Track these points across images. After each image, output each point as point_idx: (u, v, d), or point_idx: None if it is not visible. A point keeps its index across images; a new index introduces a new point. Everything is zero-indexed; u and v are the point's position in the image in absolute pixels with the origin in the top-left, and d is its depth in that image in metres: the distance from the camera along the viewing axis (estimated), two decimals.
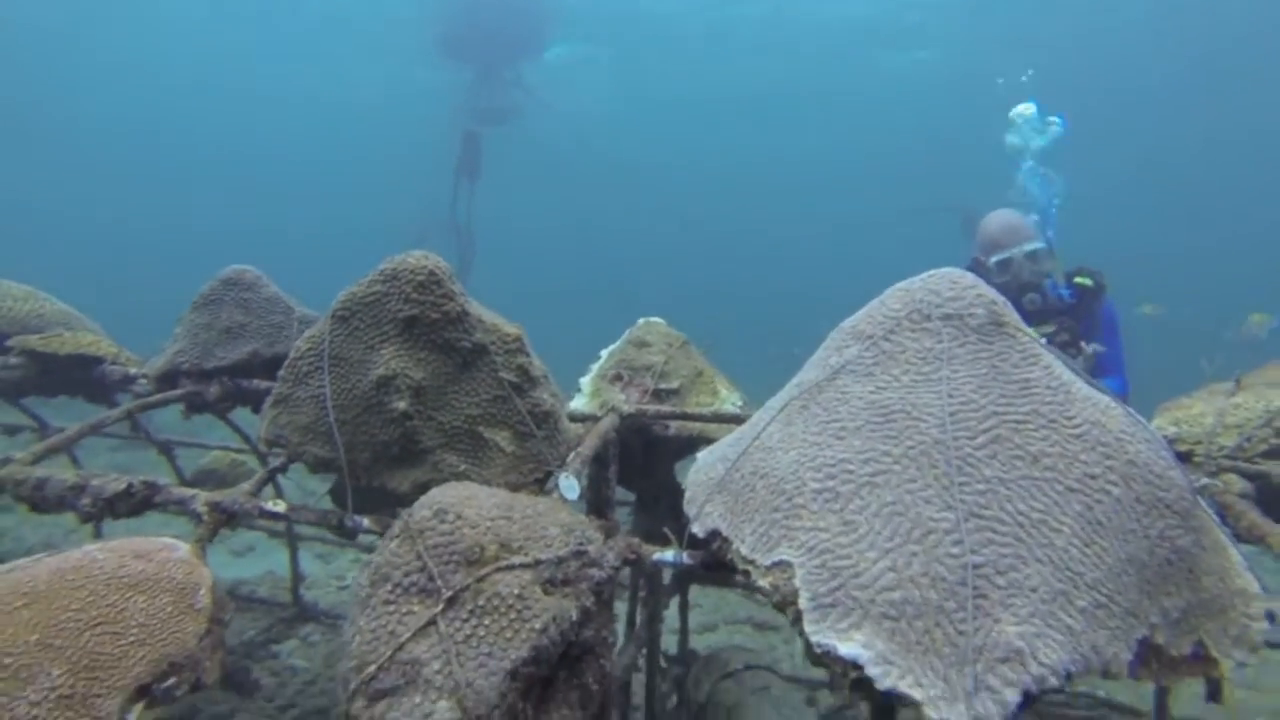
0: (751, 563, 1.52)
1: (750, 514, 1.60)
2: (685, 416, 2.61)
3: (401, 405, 1.93)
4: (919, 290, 1.71)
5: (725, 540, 1.64)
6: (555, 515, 1.70)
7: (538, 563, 1.58)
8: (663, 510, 3.39)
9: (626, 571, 3.10)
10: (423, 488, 1.97)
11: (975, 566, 1.31)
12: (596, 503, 2.58)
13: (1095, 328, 4.16)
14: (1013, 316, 1.65)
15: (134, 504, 1.84)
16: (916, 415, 1.51)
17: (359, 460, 1.96)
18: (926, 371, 1.57)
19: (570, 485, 2.09)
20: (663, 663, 3.91)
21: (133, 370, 2.95)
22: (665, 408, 2.66)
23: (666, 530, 1.82)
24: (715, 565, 1.74)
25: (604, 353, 3.34)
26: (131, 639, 1.34)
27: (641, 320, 3.43)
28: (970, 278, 1.69)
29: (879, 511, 1.41)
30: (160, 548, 1.58)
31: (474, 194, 13.79)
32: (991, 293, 1.65)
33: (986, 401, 1.50)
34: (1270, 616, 1.37)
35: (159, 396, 2.54)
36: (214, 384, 2.62)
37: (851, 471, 1.49)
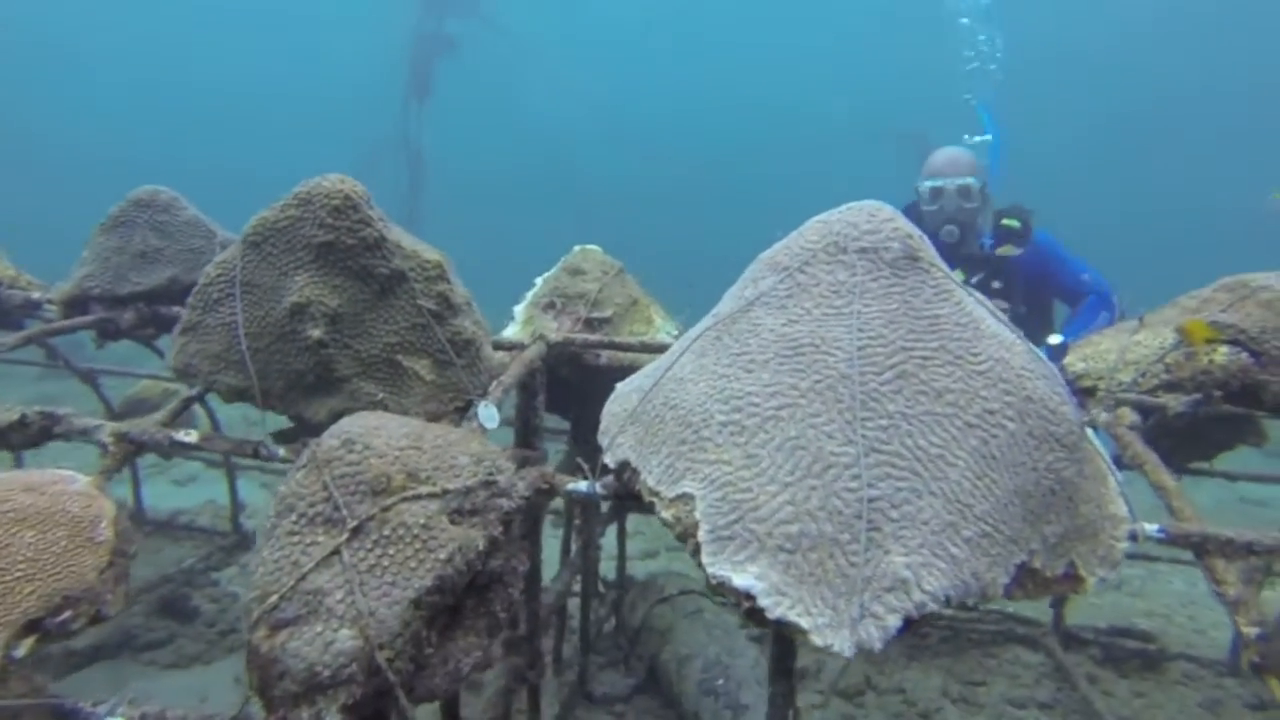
0: (656, 494, 1.53)
1: (658, 445, 1.59)
2: (612, 346, 2.59)
3: (316, 333, 1.87)
4: (837, 222, 1.68)
5: (634, 471, 1.64)
6: (467, 445, 1.68)
7: (445, 492, 1.56)
8: (596, 440, 3.39)
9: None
10: (340, 416, 1.93)
11: (871, 500, 1.33)
12: (523, 432, 2.56)
13: (1041, 272, 4.13)
14: (929, 252, 1.64)
15: (30, 435, 1.77)
16: (825, 349, 1.50)
17: (273, 389, 1.90)
18: (839, 305, 1.56)
19: (490, 414, 2.07)
20: (600, 588, 4.00)
21: (36, 294, 2.81)
22: (595, 337, 2.63)
23: (579, 460, 1.81)
24: (626, 496, 1.74)
25: (539, 280, 3.28)
26: (18, 574, 1.30)
27: (577, 247, 3.37)
28: (888, 211, 1.67)
29: (781, 445, 1.41)
30: (54, 480, 1.52)
31: (422, 114, 13.17)
32: (908, 226, 1.64)
33: (895, 336, 1.49)
34: (1133, 536, 1.43)
35: (68, 322, 2.43)
36: (129, 310, 2.51)
37: (757, 405, 1.48)
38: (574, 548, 3.41)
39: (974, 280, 4.11)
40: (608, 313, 2.99)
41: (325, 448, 1.58)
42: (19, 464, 3.65)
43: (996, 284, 4.10)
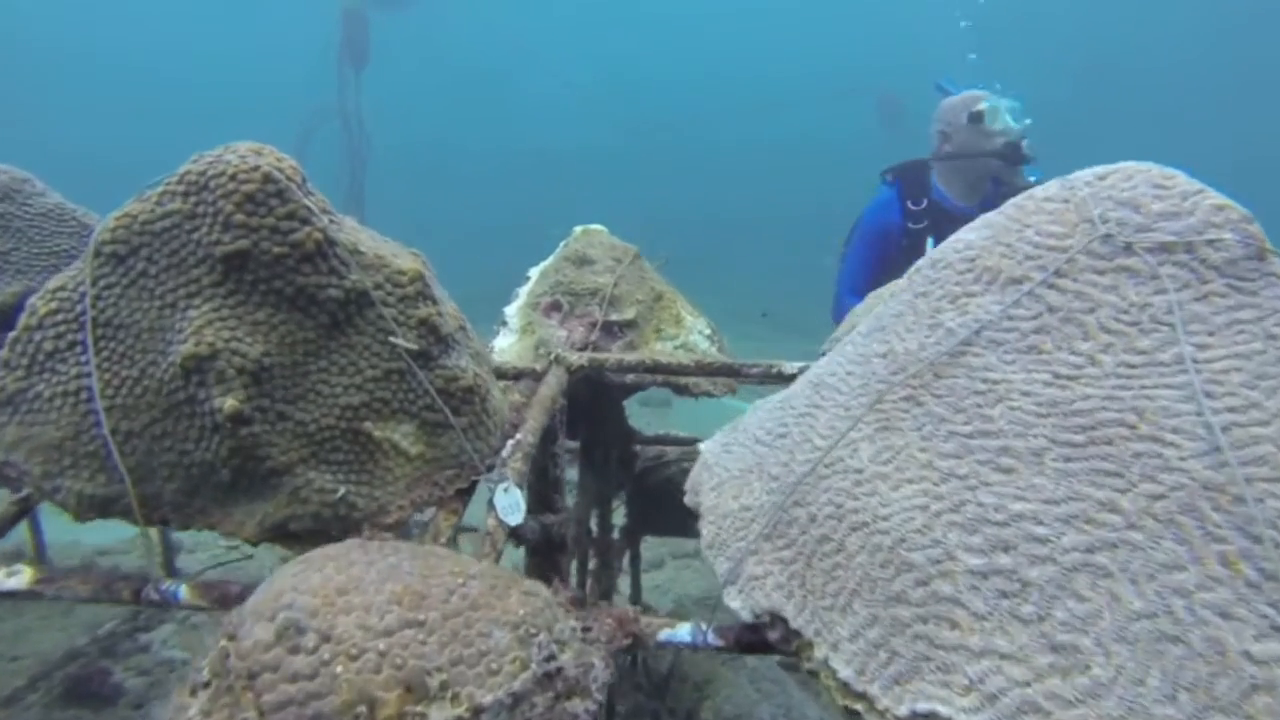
0: (864, 698, 0.83)
1: (843, 598, 0.89)
2: (660, 369, 1.85)
3: (230, 402, 1.10)
4: (1094, 199, 0.98)
5: (794, 633, 0.94)
6: (501, 599, 0.95)
7: (477, 712, 0.84)
8: (613, 465, 2.69)
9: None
10: (279, 528, 1.18)
11: None
12: (541, 490, 1.84)
13: None
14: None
15: None
16: (1154, 433, 0.81)
17: (161, 495, 1.13)
18: (1147, 348, 0.87)
19: (513, 502, 1.33)
20: None
21: None
22: (631, 357, 1.90)
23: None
24: (762, 650, 1.05)
25: (533, 272, 2.52)
26: None
27: (579, 229, 2.60)
28: (1184, 178, 0.97)
29: (1122, 633, 0.73)
30: None
31: (359, 82, 11.75)
32: (1232, 203, 0.94)
33: (1277, 405, 0.81)
34: None
35: None
36: None
37: (1046, 541, 0.79)
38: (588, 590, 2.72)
39: None
40: (629, 314, 2.25)
41: (248, 645, 0.83)
42: None
43: None
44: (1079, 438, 0.83)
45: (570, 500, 2.39)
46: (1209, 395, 0.81)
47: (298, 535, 1.15)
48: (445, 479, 1.34)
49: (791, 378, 1.76)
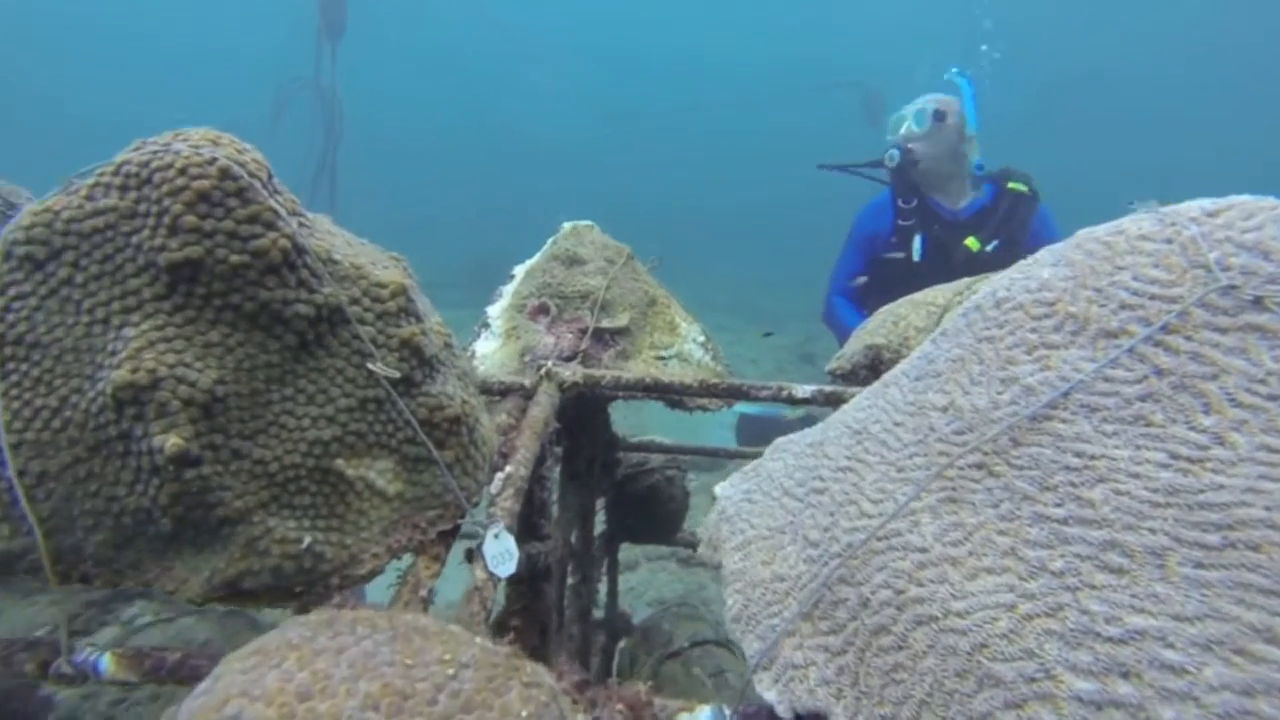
0: None
1: (908, 709, 0.74)
2: (662, 389, 1.68)
3: (173, 440, 0.91)
4: (1206, 240, 0.83)
5: None
6: (500, 693, 0.78)
7: None
8: (597, 476, 2.52)
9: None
10: (229, 586, 0.99)
11: None
12: (527, 516, 1.66)
13: (1037, 245, 3.49)
14: None
15: None
16: None
17: (84, 547, 0.94)
18: None
19: (504, 549, 1.16)
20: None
21: None
22: (631, 374, 1.72)
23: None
24: None
25: (519, 270, 2.33)
26: None
27: (568, 225, 2.41)
28: None
29: None
30: None
31: (335, 56, 11.18)
32: None
33: None
34: None
35: None
36: None
37: (1179, 669, 0.64)
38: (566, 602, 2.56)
39: (991, 248, 3.40)
40: (622, 320, 2.08)
41: None
42: None
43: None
44: (1212, 538, 0.68)
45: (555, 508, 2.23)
46: None
47: (253, 593, 0.96)
48: (427, 521, 1.17)
49: (803, 401, 1.61)
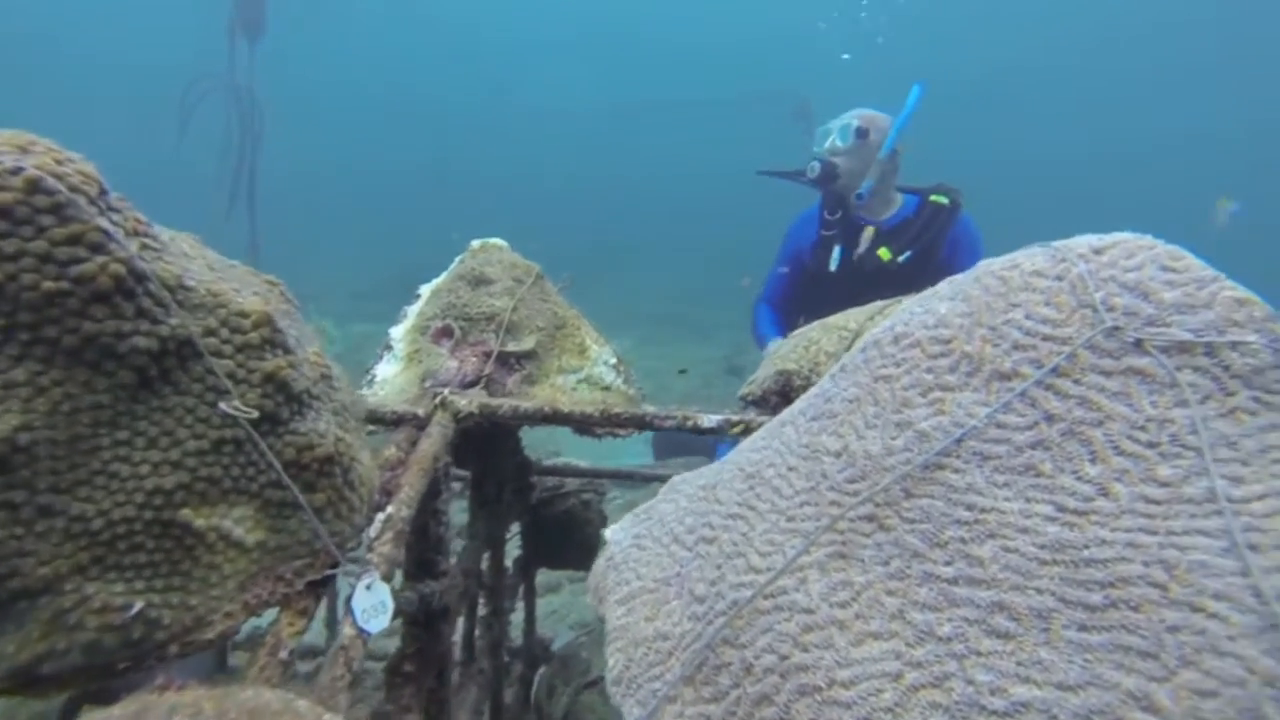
0: None
1: None
2: (563, 419, 1.60)
3: None
4: (1093, 279, 0.80)
5: None
6: None
7: None
8: (507, 502, 2.41)
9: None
10: (19, 675, 0.85)
11: None
12: (421, 553, 1.55)
13: (955, 252, 3.54)
14: None
15: None
16: (1188, 595, 0.63)
17: None
18: (1169, 478, 0.69)
19: (375, 604, 1.06)
20: (504, 656, 3.04)
21: None
22: (529, 404, 1.63)
23: None
24: None
25: (424, 290, 2.21)
26: None
27: (476, 243, 2.31)
28: (1194, 260, 0.80)
29: None
30: None
31: (253, 55, 10.56)
32: (1256, 297, 0.78)
33: None
34: None
35: None
36: None
37: None
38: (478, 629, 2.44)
39: (903, 258, 3.42)
40: (528, 343, 1.98)
41: None
42: None
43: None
44: (1095, 597, 0.64)
45: (468, 534, 2.11)
46: (1253, 548, 0.63)
47: (56, 678, 0.83)
48: (293, 571, 1.05)
49: (709, 430, 1.55)
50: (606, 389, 2.06)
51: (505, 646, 2.51)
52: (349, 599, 1.04)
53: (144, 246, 0.97)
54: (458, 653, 2.40)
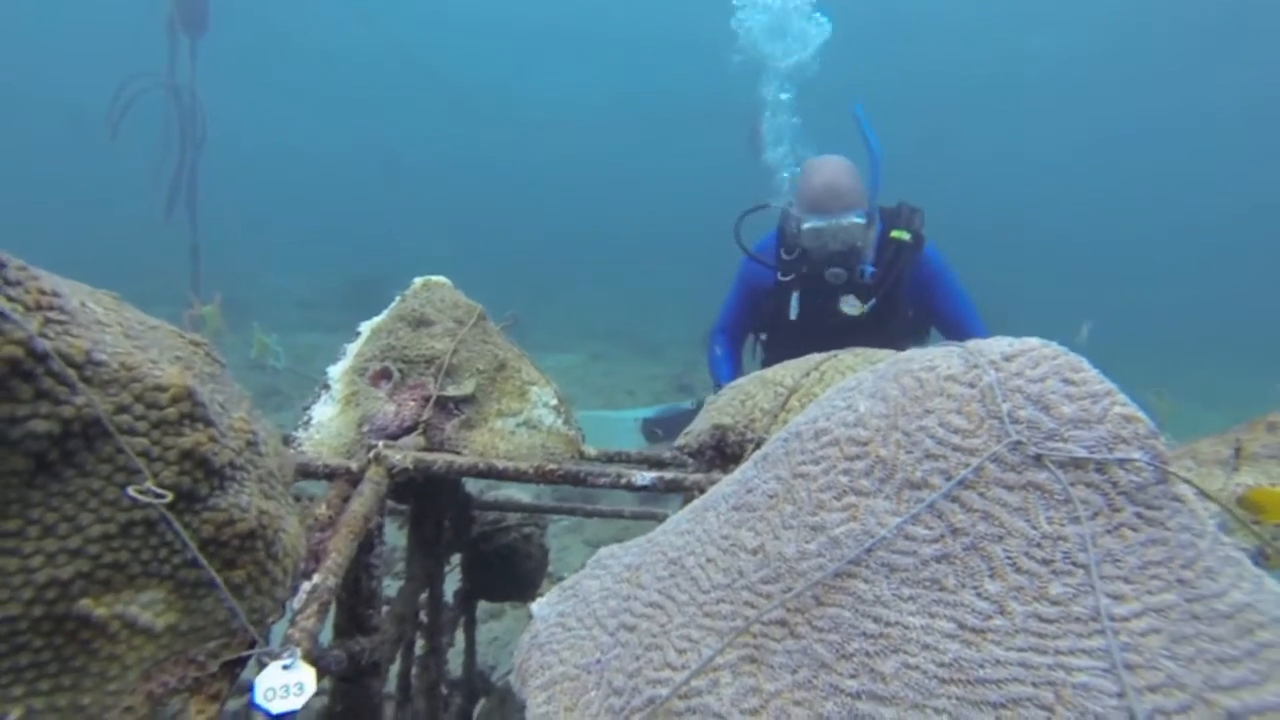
0: None
1: None
2: (497, 474, 1.58)
3: None
4: (1001, 389, 0.82)
5: None
6: None
7: None
8: (449, 537, 2.37)
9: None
10: None
11: None
12: (353, 608, 1.51)
13: (925, 290, 3.43)
14: (1177, 464, 0.83)
15: None
16: (1071, 718, 0.65)
17: None
18: (1060, 597, 0.71)
19: (291, 684, 1.02)
20: (443, 689, 2.99)
21: None
22: (465, 459, 1.61)
23: None
24: None
25: (364, 328, 2.16)
26: None
27: (418, 281, 2.27)
28: (1092, 372, 0.83)
29: None
30: None
31: (194, 54, 9.98)
32: (1140, 413, 0.81)
33: (1197, 683, 0.67)
34: None
35: None
36: None
37: None
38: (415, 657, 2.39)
39: (868, 307, 3.34)
40: (468, 387, 1.96)
41: None
42: None
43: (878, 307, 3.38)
44: (988, 718, 0.65)
45: (404, 578, 2.07)
46: (1129, 668, 0.66)
47: None
48: (207, 653, 1.01)
49: (642, 488, 1.55)
50: (547, 431, 2.04)
51: (444, 679, 2.46)
52: (252, 692, 1.00)
53: (46, 321, 0.92)
54: (393, 692, 2.34)
